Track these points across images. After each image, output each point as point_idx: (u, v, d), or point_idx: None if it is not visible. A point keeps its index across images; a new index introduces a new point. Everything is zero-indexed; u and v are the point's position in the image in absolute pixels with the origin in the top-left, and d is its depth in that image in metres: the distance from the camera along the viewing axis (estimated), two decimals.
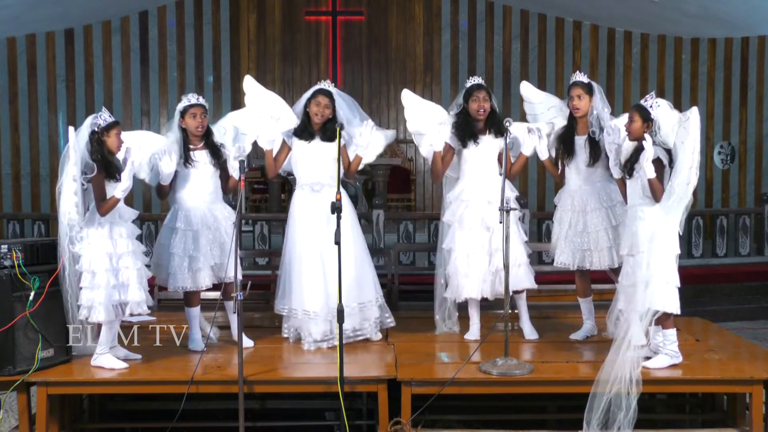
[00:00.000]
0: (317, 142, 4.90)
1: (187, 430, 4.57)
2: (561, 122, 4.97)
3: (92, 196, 4.27)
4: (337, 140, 4.37)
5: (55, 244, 4.42)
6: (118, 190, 4.22)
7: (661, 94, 4.46)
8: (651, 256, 4.16)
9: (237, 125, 5.00)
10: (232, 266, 4.13)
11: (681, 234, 4.20)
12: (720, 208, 11.00)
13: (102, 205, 4.25)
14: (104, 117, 4.31)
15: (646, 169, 4.12)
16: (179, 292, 4.79)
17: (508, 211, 4.34)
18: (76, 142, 4.18)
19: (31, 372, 4.14)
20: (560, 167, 4.96)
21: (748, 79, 11.22)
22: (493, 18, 11.45)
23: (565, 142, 4.88)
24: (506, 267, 4.43)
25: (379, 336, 4.98)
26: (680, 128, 4.09)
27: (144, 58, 11.10)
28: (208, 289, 4.84)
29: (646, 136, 4.15)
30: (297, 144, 4.91)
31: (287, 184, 10.03)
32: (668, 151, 4.18)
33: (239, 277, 4.25)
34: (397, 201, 10.98)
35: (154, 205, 10.90)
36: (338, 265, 4.04)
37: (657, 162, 4.16)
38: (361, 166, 5.05)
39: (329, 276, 4.74)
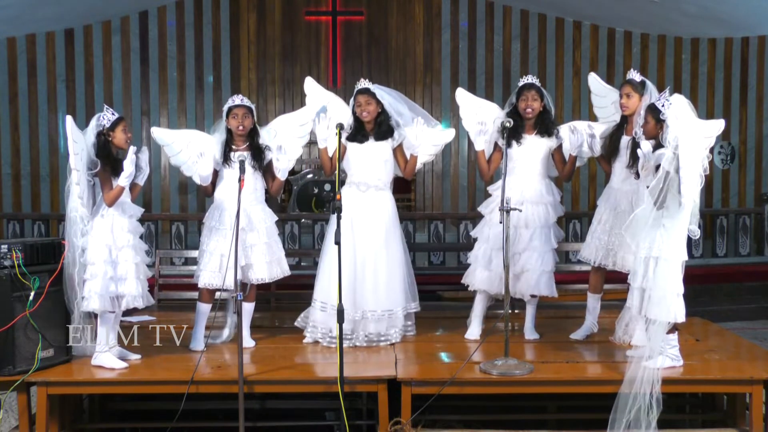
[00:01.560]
0: (371, 142, 4.92)
1: (187, 430, 4.58)
2: (617, 119, 4.92)
3: (99, 190, 4.35)
4: (337, 140, 4.39)
5: (55, 243, 4.43)
6: (122, 177, 4.26)
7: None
8: (651, 262, 4.11)
9: (289, 129, 4.99)
10: (240, 266, 4.14)
11: (696, 237, 4.12)
12: (720, 208, 11.00)
13: (107, 194, 4.30)
14: (107, 117, 4.36)
15: (643, 176, 4.10)
16: (210, 288, 4.75)
17: (508, 211, 4.34)
18: (76, 133, 4.20)
19: (31, 372, 4.14)
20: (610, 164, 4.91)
21: (748, 79, 11.22)
22: (493, 18, 11.45)
23: (611, 140, 4.85)
24: (506, 266, 4.43)
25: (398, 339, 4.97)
26: (686, 134, 4.01)
27: (144, 58, 11.10)
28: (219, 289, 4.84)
29: (643, 143, 4.10)
30: (351, 145, 4.94)
31: (287, 184, 10.03)
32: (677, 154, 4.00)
33: (239, 277, 4.26)
34: (397, 201, 10.94)
35: (154, 205, 10.91)
36: (338, 265, 4.05)
37: (658, 169, 4.05)
38: (419, 165, 5.07)
39: (360, 276, 4.79)
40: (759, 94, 11.25)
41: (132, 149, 4.30)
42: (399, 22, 11.52)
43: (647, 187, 4.12)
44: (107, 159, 4.32)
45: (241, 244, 4.70)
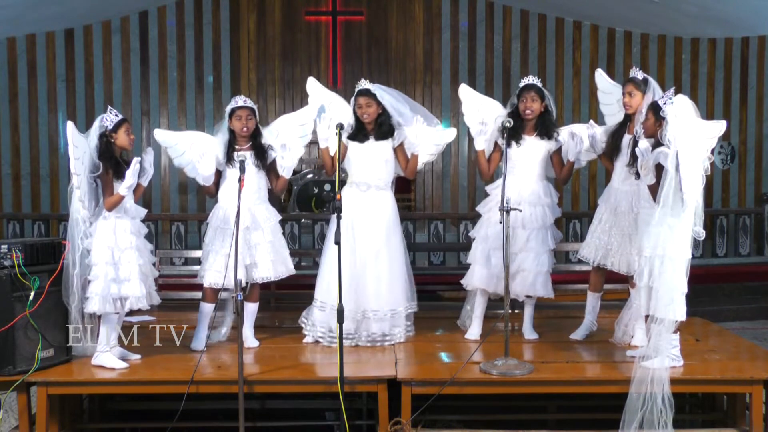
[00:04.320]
0: (371, 142, 4.93)
1: (187, 430, 4.58)
2: (621, 117, 4.88)
3: (101, 192, 4.35)
4: (337, 140, 4.40)
5: (55, 243, 4.43)
6: (122, 187, 4.27)
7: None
8: (656, 261, 4.10)
9: (291, 128, 4.99)
10: (238, 266, 4.13)
11: (701, 238, 4.10)
12: (720, 208, 11.00)
13: (108, 200, 4.31)
14: (110, 118, 4.36)
15: (642, 175, 4.10)
16: (215, 287, 4.75)
17: (508, 211, 4.34)
18: (77, 138, 4.20)
19: (31, 372, 4.14)
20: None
21: (748, 79, 11.22)
22: (493, 18, 11.45)
23: (614, 139, 4.82)
24: (506, 267, 4.42)
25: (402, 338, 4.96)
26: (685, 133, 4.01)
27: (144, 58, 11.10)
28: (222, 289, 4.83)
29: (641, 141, 4.10)
30: (352, 145, 4.94)
31: (287, 184, 10.02)
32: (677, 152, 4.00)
33: (240, 277, 4.26)
34: (397, 201, 10.95)
35: (154, 205, 10.91)
36: (338, 265, 4.04)
37: (658, 167, 4.07)
38: (421, 165, 5.07)
39: (361, 276, 4.79)
40: (759, 94, 11.25)
41: (136, 159, 4.29)
42: (399, 22, 11.51)
43: (648, 186, 4.12)
44: (109, 161, 4.33)
45: (246, 243, 4.72)
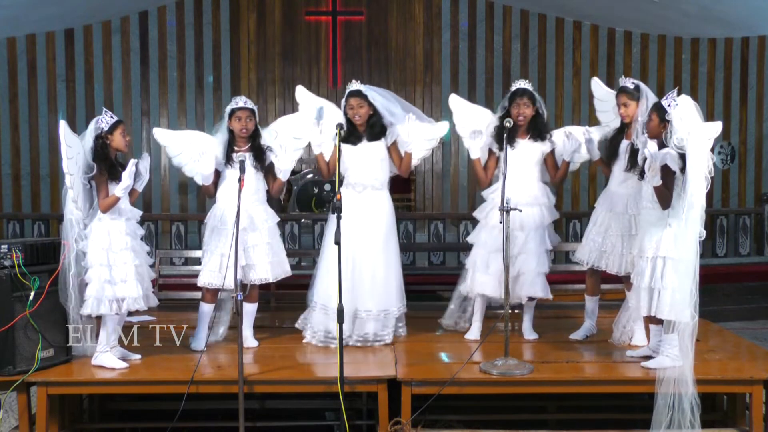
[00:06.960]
0: (364, 143, 4.93)
1: (187, 430, 4.58)
2: (618, 123, 4.92)
3: (96, 193, 4.35)
4: (337, 140, 4.41)
5: (56, 243, 4.43)
6: (118, 188, 4.27)
7: (660, 95, 4.40)
8: (659, 262, 4.13)
9: (289, 130, 5.02)
10: (236, 266, 4.13)
11: (702, 238, 4.09)
12: (720, 208, 11.00)
13: (102, 201, 4.30)
14: (106, 120, 4.39)
15: (649, 176, 4.10)
16: (209, 287, 4.78)
17: (508, 211, 4.35)
18: (70, 137, 4.25)
19: (31, 372, 4.15)
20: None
21: (748, 79, 11.22)
22: (493, 18, 11.44)
23: (610, 144, 4.88)
24: (506, 267, 4.43)
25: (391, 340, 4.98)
26: (692, 136, 4.01)
27: (144, 58, 11.09)
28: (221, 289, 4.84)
29: (649, 143, 4.09)
30: (345, 147, 4.93)
31: (287, 184, 10.02)
32: (683, 156, 4.03)
33: (240, 277, 4.26)
34: (397, 201, 10.91)
35: (154, 206, 10.91)
36: (338, 265, 4.05)
37: (665, 168, 4.06)
38: (415, 162, 5.06)
39: (357, 277, 4.79)
40: (759, 94, 11.24)
41: (132, 161, 4.29)
42: (399, 22, 11.51)
43: (654, 187, 4.12)
44: (104, 163, 4.34)
45: (242, 244, 4.72)
